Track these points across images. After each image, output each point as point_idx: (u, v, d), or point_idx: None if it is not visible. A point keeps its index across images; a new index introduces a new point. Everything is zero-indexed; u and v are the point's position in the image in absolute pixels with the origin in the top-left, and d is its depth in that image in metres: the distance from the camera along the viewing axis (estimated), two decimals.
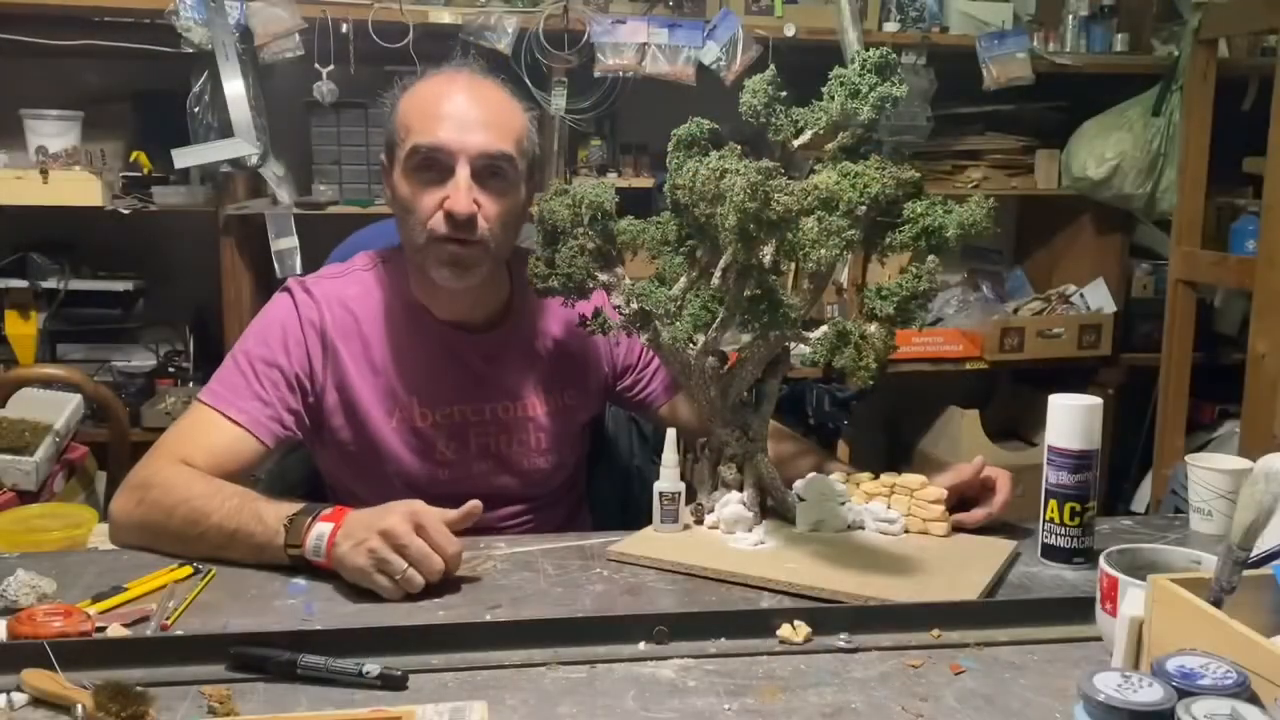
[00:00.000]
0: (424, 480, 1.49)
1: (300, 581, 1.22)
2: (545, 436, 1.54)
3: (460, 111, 1.39)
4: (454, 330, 1.49)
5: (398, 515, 1.18)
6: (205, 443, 1.38)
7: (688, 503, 1.39)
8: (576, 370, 1.57)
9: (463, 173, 1.37)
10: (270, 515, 1.24)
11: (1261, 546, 1.00)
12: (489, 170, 1.39)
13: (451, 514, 1.22)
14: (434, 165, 1.38)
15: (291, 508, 1.25)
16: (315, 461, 1.57)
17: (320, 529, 1.21)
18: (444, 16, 2.60)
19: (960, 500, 1.41)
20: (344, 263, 1.56)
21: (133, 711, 0.89)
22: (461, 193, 1.36)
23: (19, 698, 0.95)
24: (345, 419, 1.47)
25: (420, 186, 1.39)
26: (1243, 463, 1.38)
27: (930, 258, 1.27)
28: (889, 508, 1.37)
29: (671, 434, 1.39)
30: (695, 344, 1.29)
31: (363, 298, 1.49)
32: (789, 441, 1.59)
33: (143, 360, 2.81)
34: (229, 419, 1.39)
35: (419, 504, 1.21)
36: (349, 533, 1.19)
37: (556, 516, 1.60)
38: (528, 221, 1.48)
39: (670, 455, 1.37)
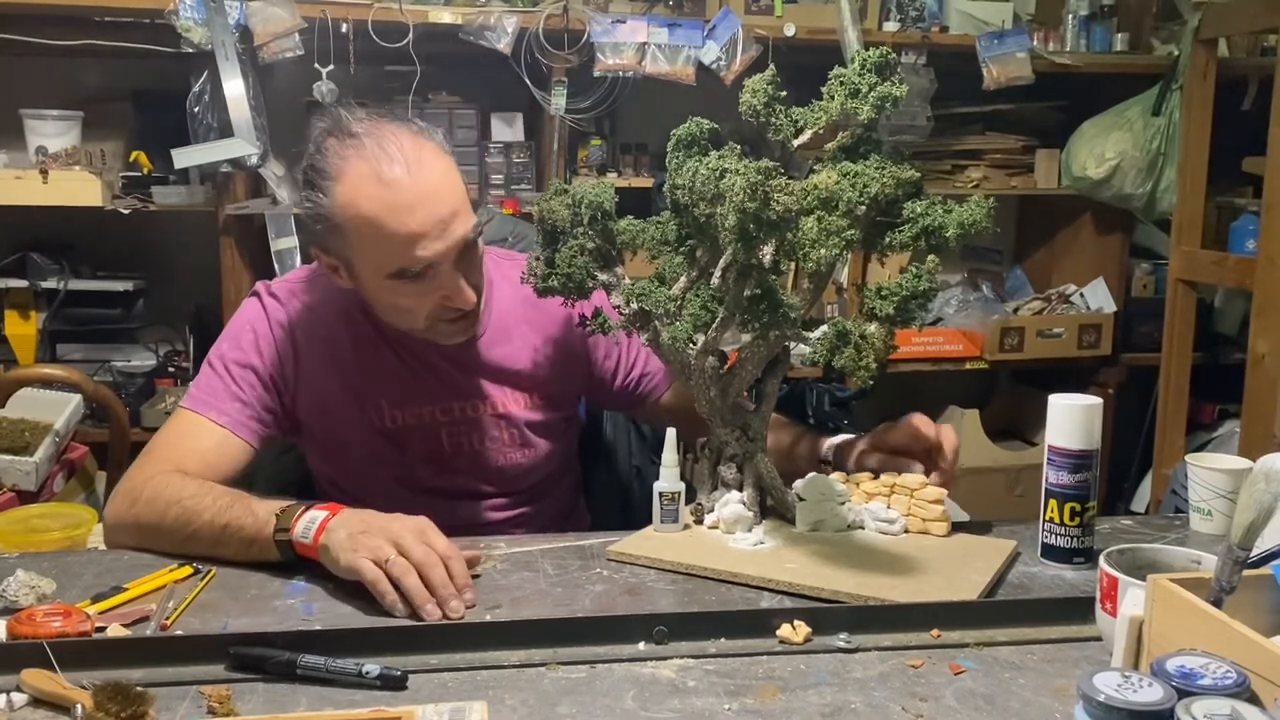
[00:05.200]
0: (404, 477, 1.50)
1: (300, 581, 1.22)
2: (519, 432, 1.54)
3: (429, 218, 1.30)
4: (417, 336, 1.48)
5: (404, 526, 1.18)
6: (194, 447, 1.38)
7: (688, 503, 1.39)
8: (551, 364, 1.55)
9: (454, 276, 1.34)
10: (261, 509, 1.25)
11: (1261, 546, 1.00)
12: (464, 247, 1.35)
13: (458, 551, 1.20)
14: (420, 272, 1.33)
15: (285, 502, 1.26)
16: (309, 461, 1.58)
17: (313, 515, 1.21)
18: (444, 16, 2.60)
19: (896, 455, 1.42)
20: (311, 265, 1.55)
21: (132, 711, 0.89)
22: (463, 291, 1.36)
23: (18, 698, 0.95)
24: (320, 419, 1.48)
25: (406, 294, 1.35)
26: (1243, 463, 1.38)
27: (930, 257, 1.27)
28: (889, 508, 1.37)
29: (671, 434, 1.39)
30: (695, 344, 1.29)
31: (328, 301, 1.48)
32: (783, 430, 1.58)
33: (143, 360, 2.81)
34: (212, 422, 1.40)
35: (425, 520, 1.21)
36: (345, 522, 1.18)
37: (549, 510, 1.60)
38: (529, 221, 1.48)
39: (670, 455, 1.37)
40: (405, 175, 1.30)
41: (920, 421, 1.41)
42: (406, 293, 1.36)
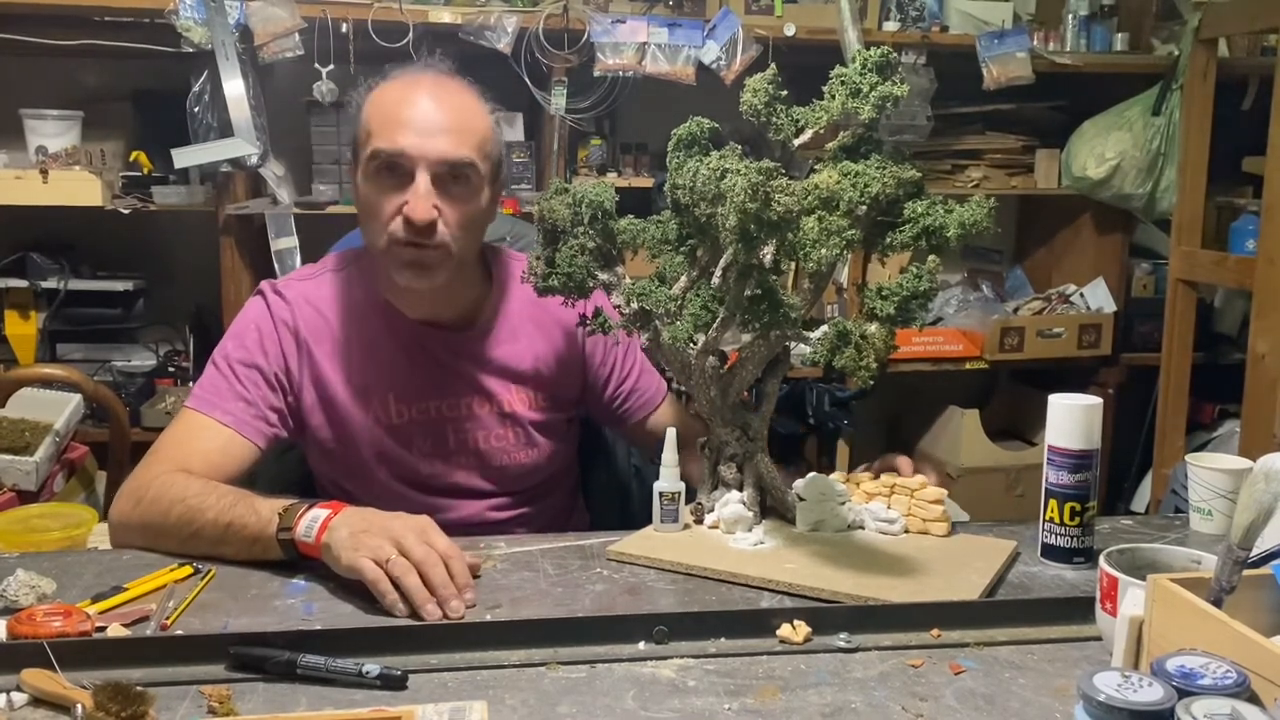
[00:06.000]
0: (407, 475, 1.50)
1: (300, 581, 1.22)
2: (525, 431, 1.54)
3: (422, 117, 1.38)
4: (426, 328, 1.50)
5: (406, 526, 1.18)
6: (199, 448, 1.38)
7: (688, 502, 1.39)
8: (555, 365, 1.56)
9: (423, 179, 1.36)
10: (264, 507, 1.25)
11: (1261, 546, 1.00)
12: (450, 175, 1.38)
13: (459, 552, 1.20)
14: (395, 170, 1.38)
15: (288, 500, 1.26)
16: (310, 462, 1.58)
17: (315, 513, 1.21)
18: (444, 16, 2.60)
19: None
20: (315, 264, 1.57)
21: (132, 711, 0.89)
22: (421, 199, 1.36)
23: (19, 698, 0.95)
24: (324, 417, 1.48)
25: (381, 191, 1.39)
26: (1243, 463, 1.38)
27: (930, 257, 1.27)
28: (889, 508, 1.37)
29: (671, 433, 1.39)
30: (695, 344, 1.29)
31: (333, 299, 1.50)
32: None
33: (143, 360, 2.81)
34: (217, 422, 1.40)
35: (427, 519, 1.21)
36: (347, 521, 1.19)
37: (549, 510, 1.61)
38: (529, 221, 1.49)
39: (670, 455, 1.37)
40: (430, 86, 1.42)
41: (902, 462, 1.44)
42: (379, 188, 1.39)
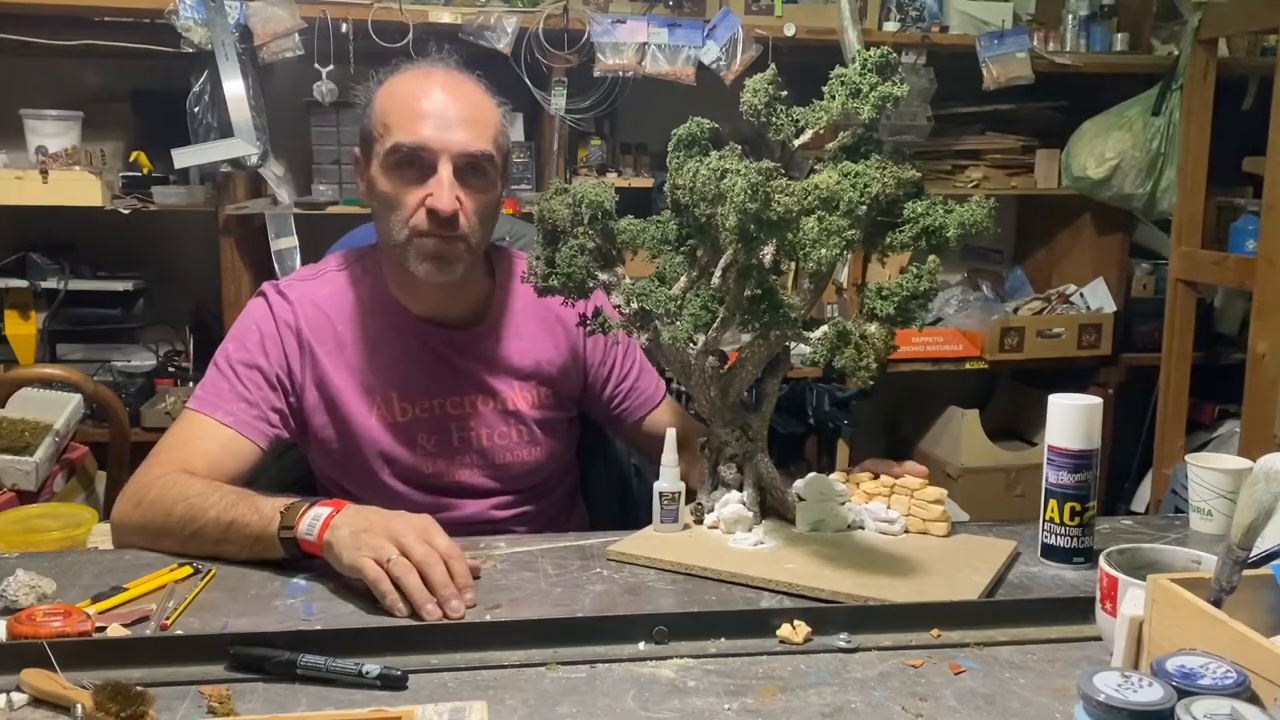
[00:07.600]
0: (411, 473, 1.50)
1: (300, 581, 1.22)
2: (528, 429, 1.55)
3: (440, 109, 1.40)
4: (430, 325, 1.51)
5: (407, 525, 1.18)
6: (201, 449, 1.39)
7: (688, 502, 1.39)
8: (558, 364, 1.57)
9: (445, 170, 1.39)
10: (266, 506, 1.25)
11: (1261, 546, 1.01)
12: (469, 167, 1.41)
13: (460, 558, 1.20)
14: (415, 163, 1.39)
15: (290, 499, 1.26)
16: (312, 463, 1.58)
17: (317, 511, 1.21)
18: (444, 16, 2.60)
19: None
20: (317, 264, 1.58)
21: (132, 711, 0.89)
22: (445, 190, 1.38)
23: (19, 698, 0.95)
24: (327, 417, 1.48)
25: (402, 184, 1.40)
26: (1243, 463, 1.38)
27: (930, 257, 1.27)
28: (889, 508, 1.37)
29: (671, 434, 1.39)
30: (695, 344, 1.29)
31: (336, 298, 1.50)
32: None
33: (143, 360, 2.82)
34: (219, 423, 1.41)
35: (428, 519, 1.21)
36: (348, 520, 1.19)
37: (550, 509, 1.61)
38: (529, 221, 1.49)
39: (670, 455, 1.37)
40: (443, 80, 1.44)
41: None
42: (400, 181, 1.40)
